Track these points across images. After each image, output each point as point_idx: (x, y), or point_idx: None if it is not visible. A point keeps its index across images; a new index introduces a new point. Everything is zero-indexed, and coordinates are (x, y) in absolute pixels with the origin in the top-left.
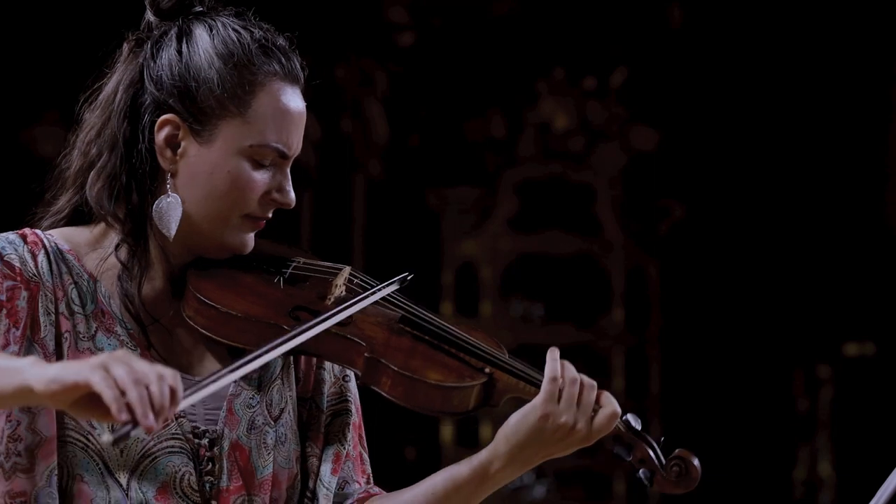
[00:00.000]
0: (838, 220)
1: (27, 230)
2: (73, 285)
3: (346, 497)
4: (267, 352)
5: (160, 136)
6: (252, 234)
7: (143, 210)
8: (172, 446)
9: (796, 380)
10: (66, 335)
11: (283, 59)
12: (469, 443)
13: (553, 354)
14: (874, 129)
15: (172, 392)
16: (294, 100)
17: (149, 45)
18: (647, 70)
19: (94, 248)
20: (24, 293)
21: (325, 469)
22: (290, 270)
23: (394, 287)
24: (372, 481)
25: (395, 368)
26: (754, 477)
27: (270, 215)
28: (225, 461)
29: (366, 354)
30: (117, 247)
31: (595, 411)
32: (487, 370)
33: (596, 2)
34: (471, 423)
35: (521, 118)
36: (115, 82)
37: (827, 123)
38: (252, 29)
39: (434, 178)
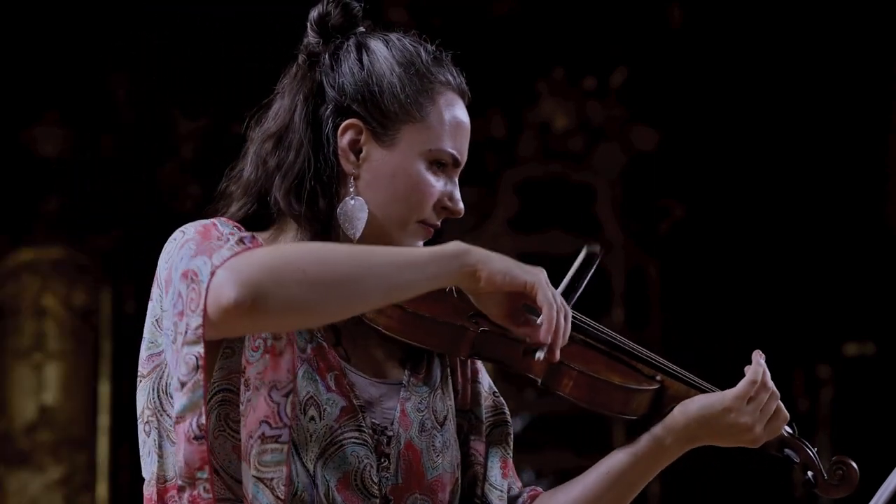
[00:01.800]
0: (838, 220)
1: (224, 217)
2: None
3: (516, 497)
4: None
5: (344, 141)
6: (422, 244)
7: (330, 213)
8: (357, 438)
9: (796, 380)
10: None
11: (454, 72)
12: None
13: (759, 359)
14: (874, 129)
15: None
16: (464, 112)
17: (327, 57)
18: (647, 70)
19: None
20: None
21: (495, 473)
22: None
23: (586, 258)
24: None
25: (579, 369)
26: (754, 477)
27: (439, 224)
28: (399, 460)
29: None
30: None
31: (772, 418)
32: (658, 377)
33: (596, 2)
34: None
35: (521, 118)
36: (290, 96)
37: (827, 123)
38: (425, 44)
39: None
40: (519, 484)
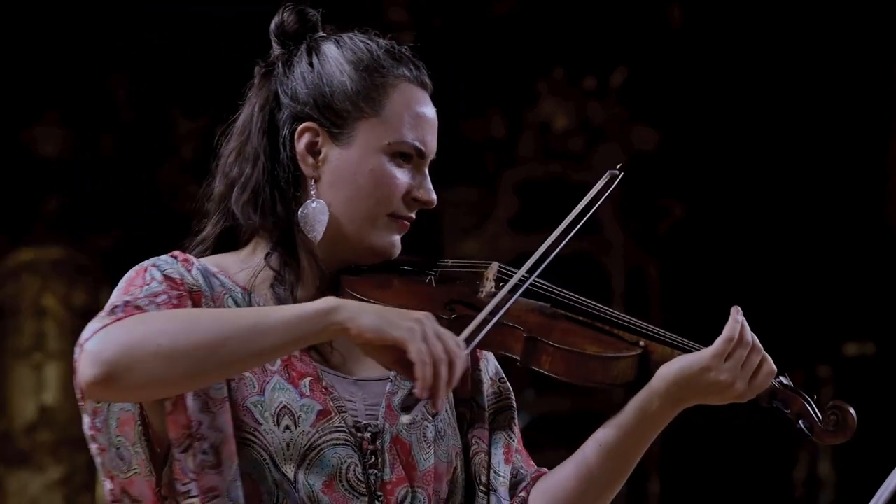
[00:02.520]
0: (838, 220)
1: (176, 252)
2: (228, 296)
3: (520, 481)
4: (501, 305)
5: (301, 144)
6: (399, 237)
7: (289, 218)
8: (337, 439)
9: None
10: None
11: (411, 65)
12: None
13: (736, 315)
14: (874, 129)
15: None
16: (426, 103)
17: (280, 65)
18: (647, 70)
19: (242, 269)
20: (189, 302)
21: (498, 460)
22: (439, 271)
23: (602, 184)
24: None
25: (555, 344)
26: (754, 477)
27: (414, 216)
28: (387, 454)
29: (524, 335)
30: (268, 255)
31: (755, 373)
32: (642, 343)
33: (596, 2)
34: None
35: (521, 118)
36: (249, 107)
37: (827, 123)
38: (378, 39)
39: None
40: (531, 467)
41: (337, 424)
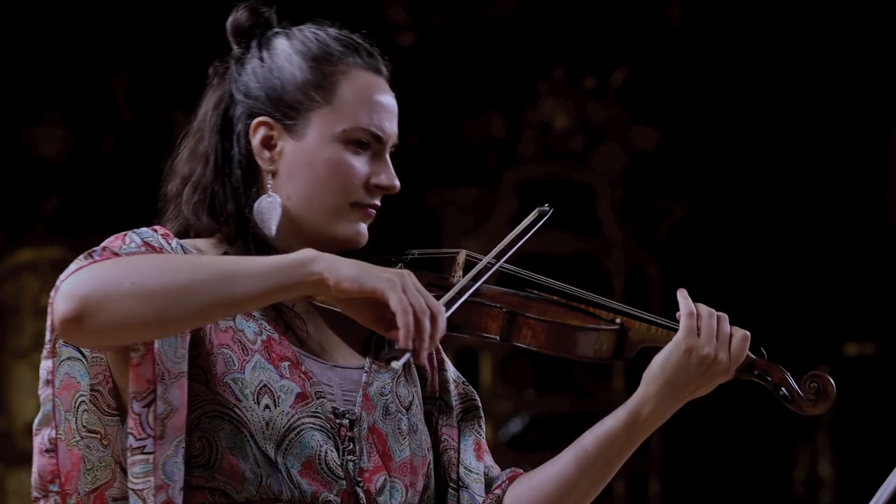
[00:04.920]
0: (838, 220)
1: (157, 226)
2: None
3: (494, 480)
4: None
5: (256, 139)
6: (364, 226)
7: (239, 217)
8: (314, 423)
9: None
10: None
11: (362, 52)
12: None
13: (683, 294)
14: (874, 128)
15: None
16: (380, 87)
17: (233, 63)
18: (647, 70)
19: (215, 253)
20: None
21: (469, 457)
22: (408, 259)
23: (534, 218)
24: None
25: (535, 317)
26: (754, 477)
27: (378, 203)
28: (364, 442)
29: (504, 311)
30: (225, 255)
31: (731, 340)
32: (618, 320)
33: (596, 2)
34: None
35: (521, 118)
36: (205, 106)
37: (827, 123)
38: (328, 29)
39: (434, 178)
40: (496, 467)
41: (314, 409)
